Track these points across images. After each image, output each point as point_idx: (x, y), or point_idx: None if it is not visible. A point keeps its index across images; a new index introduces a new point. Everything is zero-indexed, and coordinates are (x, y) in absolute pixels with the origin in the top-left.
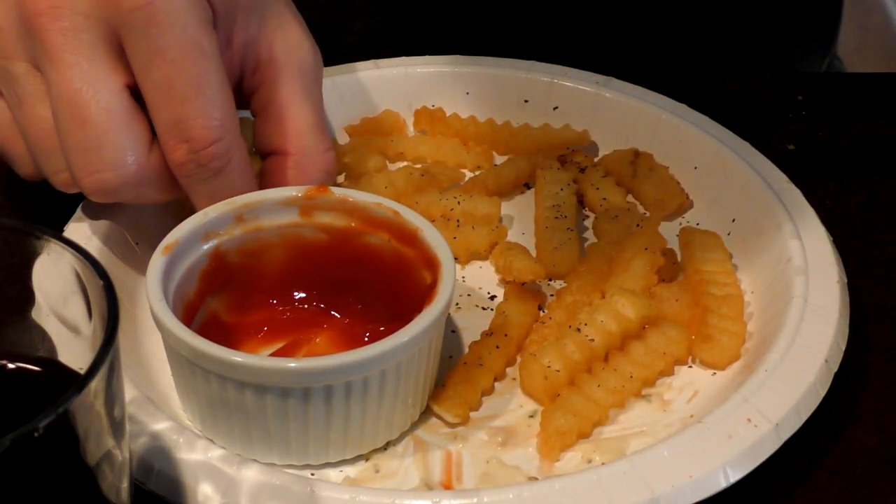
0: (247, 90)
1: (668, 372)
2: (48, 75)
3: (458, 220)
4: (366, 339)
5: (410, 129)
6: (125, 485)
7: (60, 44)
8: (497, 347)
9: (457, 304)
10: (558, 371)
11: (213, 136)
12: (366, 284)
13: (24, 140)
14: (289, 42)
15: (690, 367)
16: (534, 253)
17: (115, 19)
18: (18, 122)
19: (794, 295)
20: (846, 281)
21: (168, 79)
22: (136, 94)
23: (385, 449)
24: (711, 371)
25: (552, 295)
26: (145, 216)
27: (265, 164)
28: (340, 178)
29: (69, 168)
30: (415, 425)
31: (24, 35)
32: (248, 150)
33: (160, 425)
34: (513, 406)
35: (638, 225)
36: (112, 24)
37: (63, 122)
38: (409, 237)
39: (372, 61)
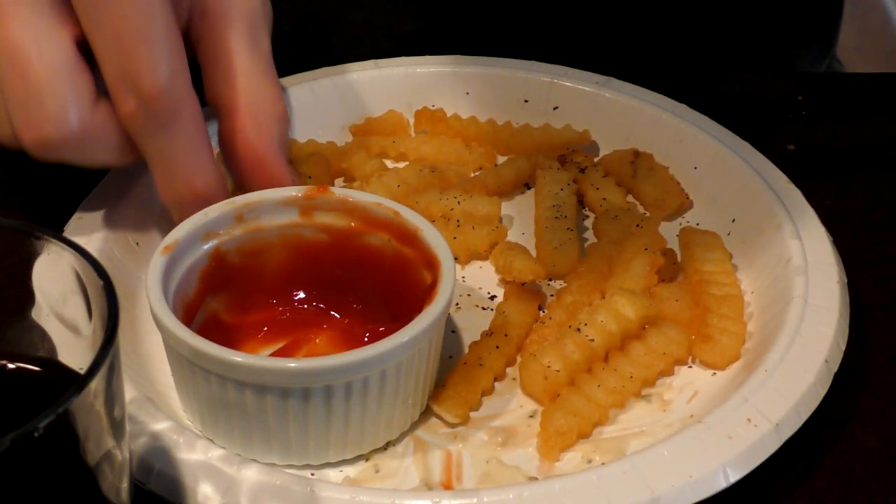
0: (194, 38)
1: (668, 372)
2: None
3: (458, 221)
4: (366, 339)
5: (412, 130)
6: (125, 485)
7: None
8: (497, 347)
9: (457, 304)
10: (558, 371)
11: (161, 86)
12: (366, 284)
13: None
14: None
15: (690, 367)
16: (534, 253)
17: None
18: None
19: (794, 295)
20: (846, 281)
21: (115, 29)
22: (85, 48)
23: (385, 449)
24: (711, 371)
25: (552, 295)
26: (145, 216)
27: (220, 127)
28: (339, 181)
29: (10, 123)
30: (415, 425)
31: None
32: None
33: (160, 425)
34: (513, 406)
35: (638, 225)
36: None
37: (4, 74)
38: (409, 237)
39: (372, 61)
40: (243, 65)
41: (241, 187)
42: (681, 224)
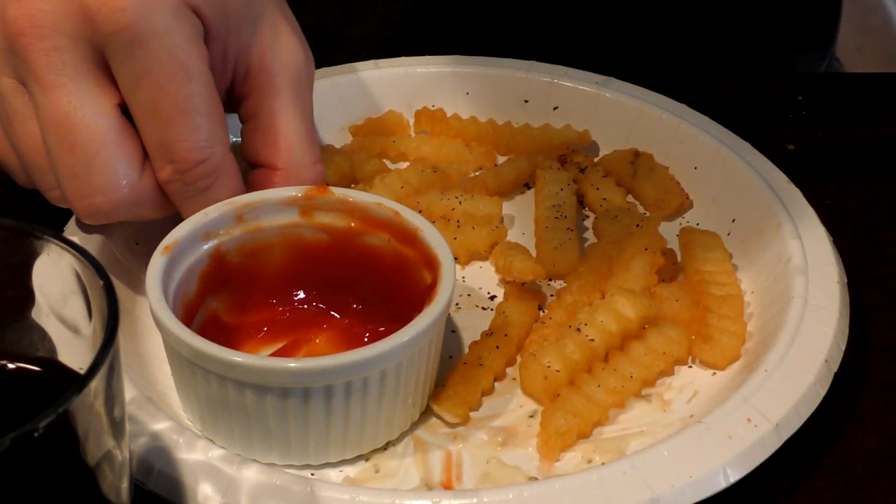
0: (237, 96)
1: (668, 372)
2: (34, 96)
3: (458, 221)
4: (366, 339)
5: (412, 130)
6: (125, 485)
7: (44, 64)
8: (497, 347)
9: (457, 304)
10: (558, 371)
11: (197, 158)
12: (366, 284)
13: (17, 156)
14: (281, 49)
15: (690, 367)
16: (534, 253)
17: (99, 40)
18: (9, 138)
19: (794, 295)
20: (846, 281)
21: (153, 100)
22: (127, 111)
23: (385, 449)
24: (711, 371)
25: (552, 295)
26: None
27: (253, 176)
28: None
29: (60, 190)
30: (415, 425)
31: (8, 52)
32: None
33: (160, 425)
34: (513, 406)
35: (638, 225)
36: (96, 44)
37: (52, 145)
38: (409, 237)
39: (372, 61)
40: (285, 128)
41: None
42: (681, 224)
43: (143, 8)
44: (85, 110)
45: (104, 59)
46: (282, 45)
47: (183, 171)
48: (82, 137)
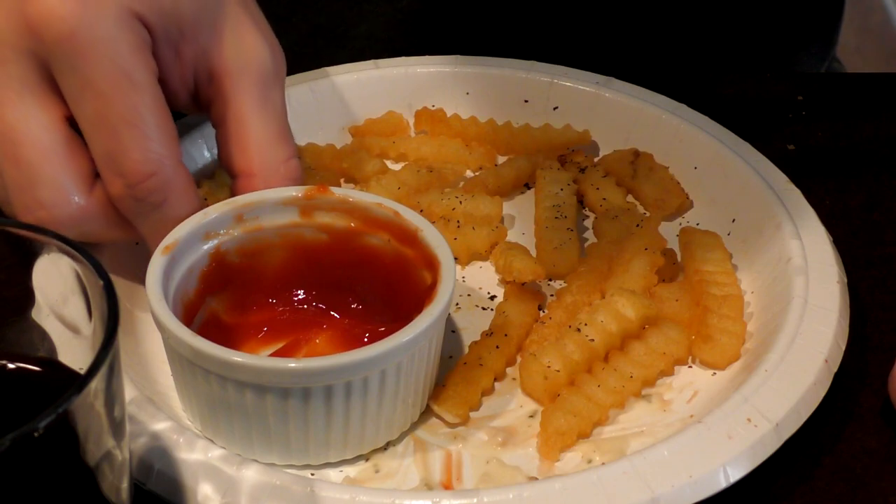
0: (204, 102)
1: (668, 372)
2: None
3: (458, 221)
4: (366, 339)
5: (412, 130)
6: (125, 485)
7: None
8: (497, 347)
9: (457, 304)
10: (558, 371)
11: (147, 171)
12: (366, 285)
13: None
14: (244, 50)
15: (690, 367)
16: (534, 253)
17: (43, 51)
18: None
19: (794, 295)
20: (846, 281)
21: (99, 112)
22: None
23: (385, 449)
24: (711, 371)
25: (552, 295)
26: None
27: (234, 187)
28: (340, 182)
29: (9, 202)
30: (415, 425)
31: None
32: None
33: (160, 425)
34: (513, 406)
35: (638, 225)
36: (41, 57)
37: None
38: (409, 237)
39: (372, 61)
40: (255, 128)
41: None
42: (681, 224)
43: (84, 17)
44: (30, 124)
45: (50, 71)
46: (245, 45)
47: (132, 185)
48: (26, 151)
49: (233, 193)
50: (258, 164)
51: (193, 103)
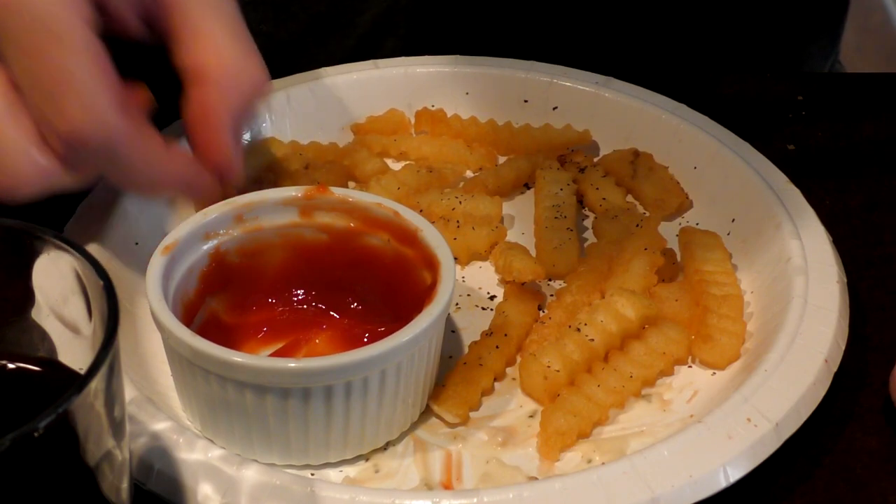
0: (158, 22)
1: (668, 372)
2: None
3: (458, 221)
4: (366, 339)
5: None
6: (125, 485)
7: None
8: (497, 347)
9: (457, 304)
10: (558, 371)
11: (87, 131)
12: (366, 285)
13: None
14: None
15: (690, 367)
16: (534, 253)
17: None
18: None
19: (794, 295)
20: (846, 281)
21: (29, 70)
22: None
23: (385, 449)
24: (711, 371)
25: (552, 295)
26: (145, 216)
27: (189, 104)
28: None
29: None
30: (415, 425)
31: None
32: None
33: (160, 425)
34: (513, 406)
35: (638, 225)
36: None
37: None
38: (409, 237)
39: (371, 61)
40: (211, 29)
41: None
42: (681, 224)
43: None
44: None
45: None
46: None
47: (75, 147)
48: None
49: (186, 106)
50: (217, 62)
51: (146, 30)
